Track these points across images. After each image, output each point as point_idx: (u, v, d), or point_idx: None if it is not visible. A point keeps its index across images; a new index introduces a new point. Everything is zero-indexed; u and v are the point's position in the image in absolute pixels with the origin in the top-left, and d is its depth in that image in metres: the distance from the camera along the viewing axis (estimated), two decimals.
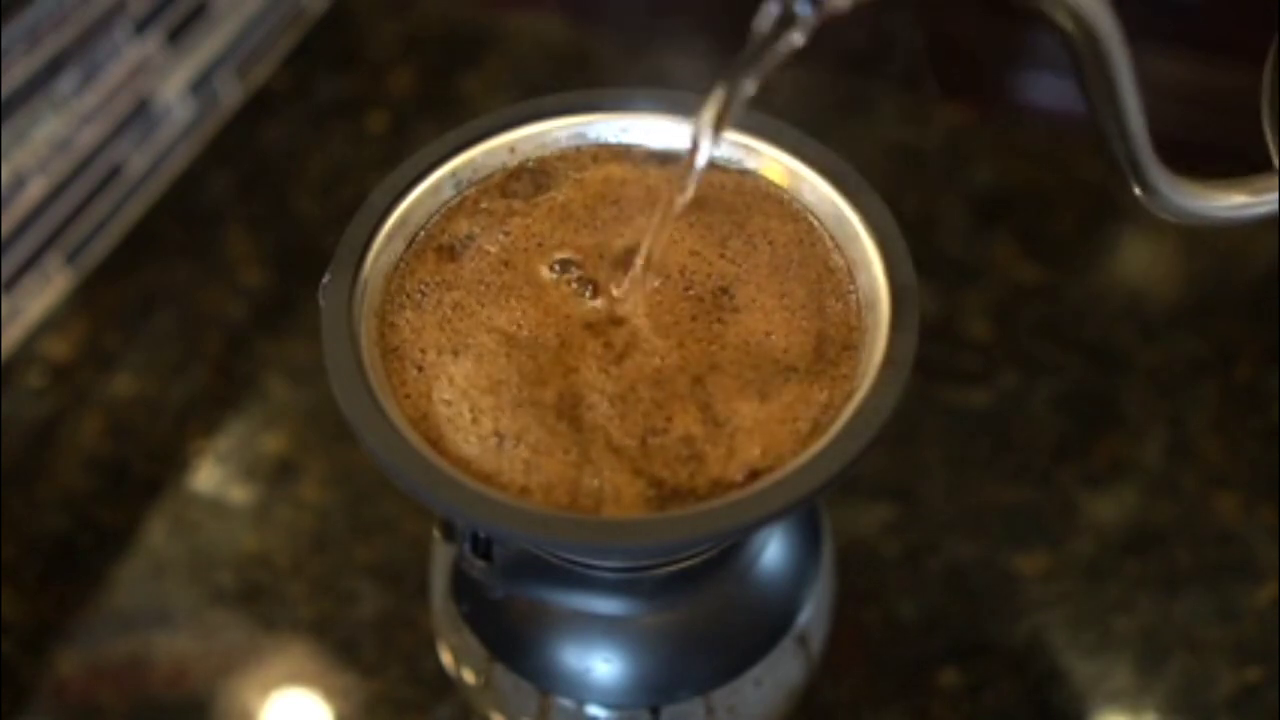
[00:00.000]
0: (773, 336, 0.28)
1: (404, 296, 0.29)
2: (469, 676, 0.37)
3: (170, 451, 0.55)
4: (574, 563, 0.32)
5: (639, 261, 0.28)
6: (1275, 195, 0.30)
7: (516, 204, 0.31)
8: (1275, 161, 0.31)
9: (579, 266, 0.30)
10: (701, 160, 0.26)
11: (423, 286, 0.29)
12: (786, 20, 0.23)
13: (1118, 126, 0.27)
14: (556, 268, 0.30)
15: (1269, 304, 0.59)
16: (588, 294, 0.29)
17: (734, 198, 0.31)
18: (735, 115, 0.25)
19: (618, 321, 0.29)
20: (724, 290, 0.29)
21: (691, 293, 0.29)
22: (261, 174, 0.67)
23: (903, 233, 0.29)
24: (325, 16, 0.76)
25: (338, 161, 0.68)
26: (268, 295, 0.61)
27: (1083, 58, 0.25)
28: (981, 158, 0.67)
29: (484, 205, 0.31)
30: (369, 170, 0.67)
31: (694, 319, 0.29)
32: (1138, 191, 0.29)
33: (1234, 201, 0.30)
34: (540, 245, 0.30)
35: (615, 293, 0.29)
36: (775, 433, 0.26)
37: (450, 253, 0.30)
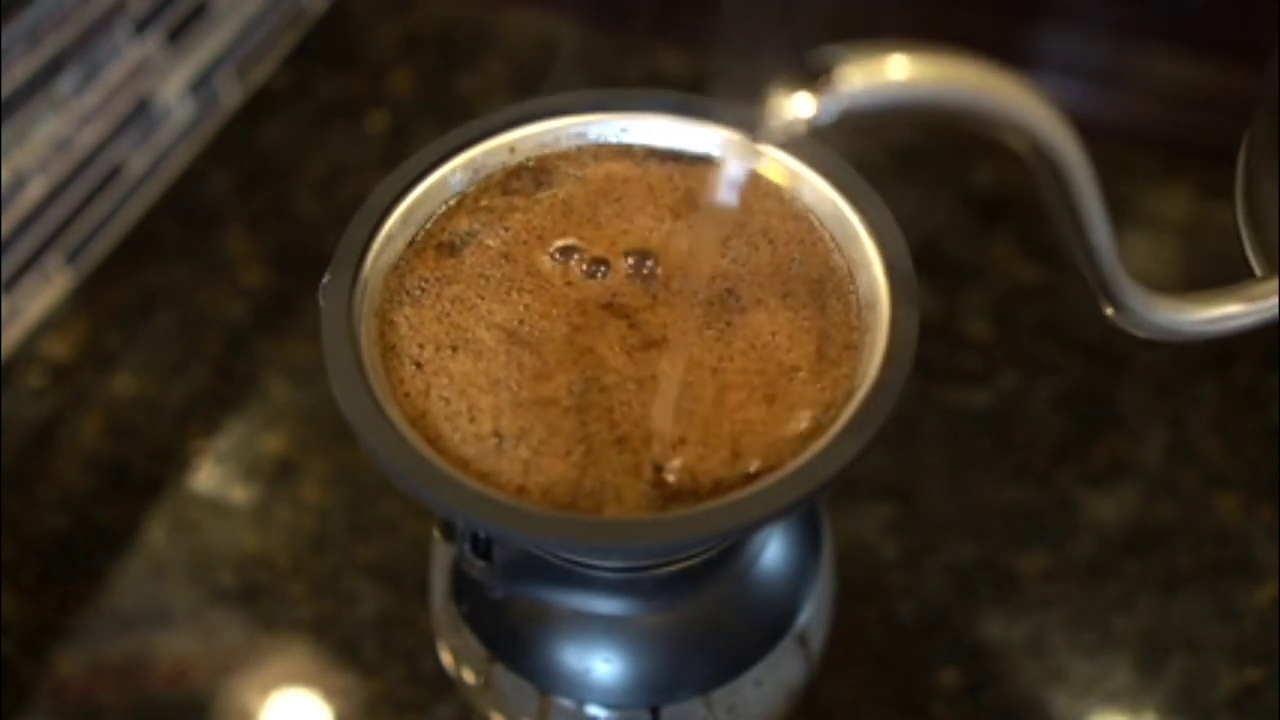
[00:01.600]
0: (777, 337, 0.28)
1: (403, 294, 0.29)
2: (469, 676, 0.37)
3: (170, 451, 0.55)
4: (574, 563, 0.32)
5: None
6: (1259, 304, 0.28)
7: (518, 200, 0.31)
8: (1256, 269, 0.30)
9: (580, 252, 0.30)
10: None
11: (422, 283, 0.30)
12: (794, 125, 0.23)
13: (1084, 246, 0.26)
14: (558, 255, 0.30)
15: None
16: (600, 274, 0.29)
17: None
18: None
19: (635, 306, 0.29)
20: (730, 292, 0.29)
21: (700, 297, 0.29)
22: (261, 174, 0.67)
23: (903, 233, 0.29)
24: (325, 16, 0.76)
25: (338, 161, 0.68)
26: (268, 295, 0.61)
27: (1046, 180, 0.24)
28: (981, 158, 0.67)
29: (484, 203, 0.31)
30: (369, 170, 0.67)
31: (706, 323, 0.29)
32: (1110, 311, 0.28)
33: (1212, 314, 0.28)
34: (540, 238, 0.30)
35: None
36: (778, 432, 0.27)
37: (450, 249, 0.30)
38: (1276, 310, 0.28)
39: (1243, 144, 0.30)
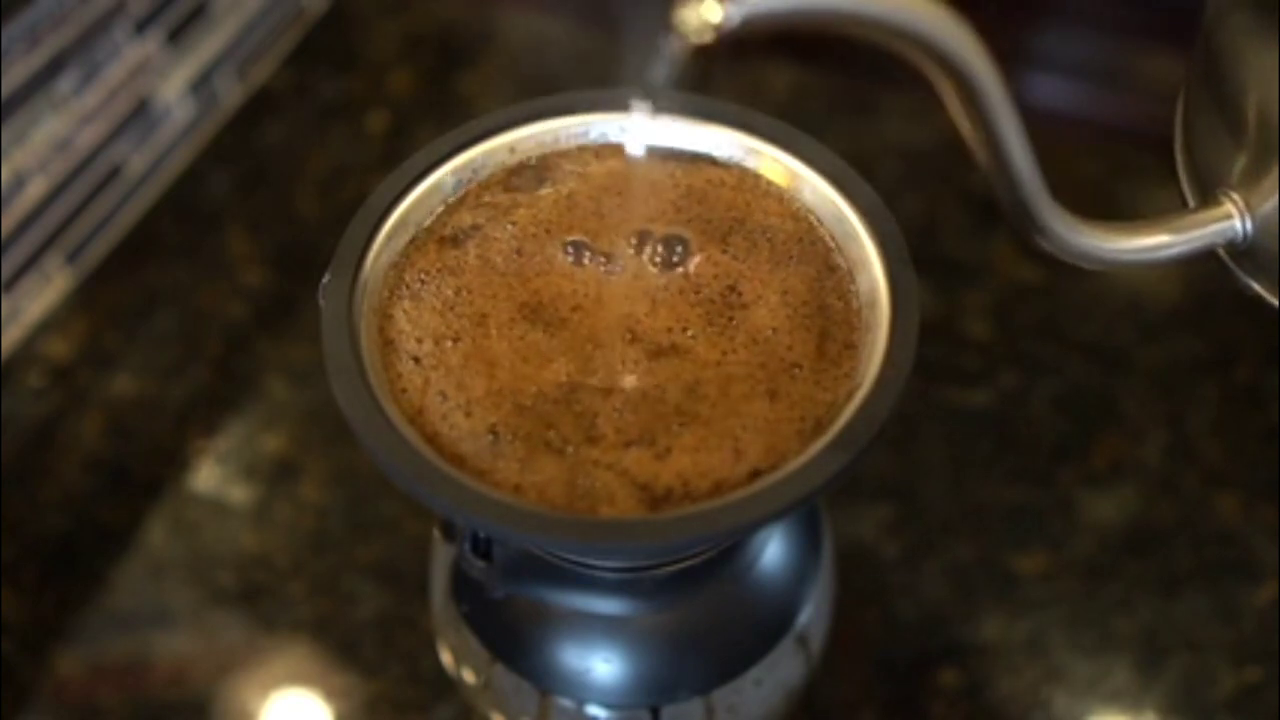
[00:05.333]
0: (778, 334, 0.28)
1: (403, 288, 0.29)
2: (469, 676, 0.37)
3: (170, 451, 0.55)
4: (574, 563, 0.32)
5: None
6: (1188, 235, 0.28)
7: (521, 197, 0.31)
8: (1189, 201, 0.31)
9: (588, 246, 0.30)
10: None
11: (423, 276, 0.29)
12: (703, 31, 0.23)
13: (1003, 170, 0.25)
14: (566, 249, 0.30)
15: (1269, 304, 0.59)
16: (614, 267, 0.29)
17: (734, 194, 0.31)
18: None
19: (643, 312, 0.29)
20: (732, 288, 0.29)
21: (702, 294, 0.29)
22: (261, 174, 0.67)
23: (903, 233, 0.29)
24: (325, 16, 0.76)
25: (338, 161, 0.68)
26: (268, 295, 0.61)
27: (959, 102, 0.23)
28: None
29: (486, 199, 0.31)
30: (369, 170, 0.67)
31: (708, 319, 0.29)
32: (1029, 233, 0.27)
33: (1141, 243, 0.28)
34: (549, 232, 0.30)
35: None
36: (780, 432, 0.26)
37: (453, 242, 0.30)
38: (1204, 241, 0.28)
39: (1184, 82, 0.31)
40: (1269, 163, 0.27)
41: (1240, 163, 0.28)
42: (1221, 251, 0.29)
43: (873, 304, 0.28)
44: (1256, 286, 0.29)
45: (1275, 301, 0.29)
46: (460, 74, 0.72)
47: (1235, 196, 0.28)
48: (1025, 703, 0.48)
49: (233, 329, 0.60)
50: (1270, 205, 0.27)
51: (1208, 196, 0.29)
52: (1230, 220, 0.28)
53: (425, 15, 0.76)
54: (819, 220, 0.31)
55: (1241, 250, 0.29)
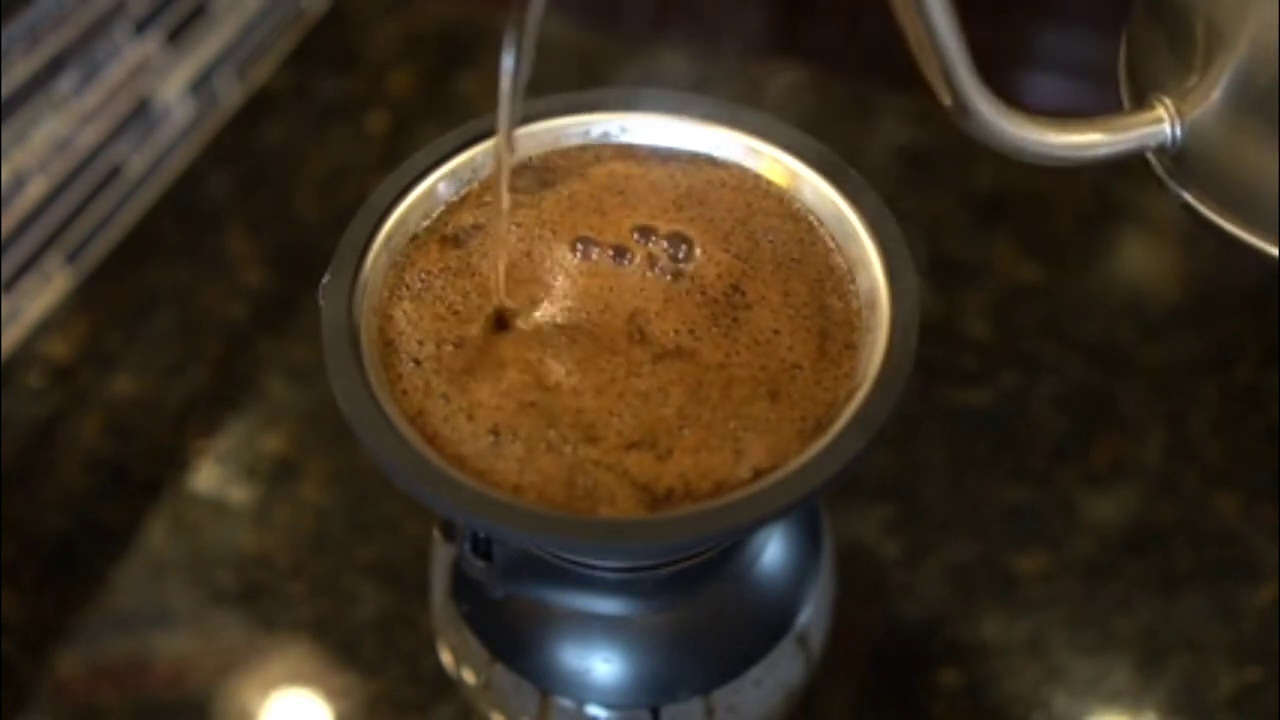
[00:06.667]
0: (780, 334, 0.28)
1: (403, 288, 0.29)
2: (469, 676, 0.37)
3: (170, 451, 0.55)
4: (574, 563, 0.32)
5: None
6: (1120, 135, 0.29)
7: (522, 197, 0.31)
8: (1126, 104, 0.31)
9: (595, 244, 0.30)
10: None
11: (423, 276, 0.29)
12: None
13: (924, 31, 0.24)
14: (574, 248, 0.30)
15: (1269, 304, 0.59)
16: (626, 263, 0.29)
17: (735, 195, 0.31)
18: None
19: (647, 310, 0.29)
20: (735, 288, 0.29)
21: (708, 294, 0.29)
22: (261, 174, 0.67)
23: (903, 233, 0.29)
24: (325, 16, 0.76)
25: (338, 161, 0.68)
26: (268, 295, 0.61)
27: None
28: (981, 158, 0.67)
29: (488, 199, 0.31)
30: (369, 170, 0.67)
31: (712, 320, 0.29)
32: (953, 111, 0.26)
33: (1070, 140, 0.28)
34: (554, 232, 0.30)
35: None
36: (781, 432, 0.26)
37: (455, 242, 0.30)
38: (1134, 142, 0.29)
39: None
40: (1203, 71, 0.27)
41: (1176, 70, 0.29)
42: (1152, 158, 0.30)
43: (873, 304, 0.28)
44: (1186, 196, 0.29)
45: (1205, 211, 0.29)
46: (460, 74, 0.72)
47: (1168, 102, 0.29)
48: (1025, 703, 0.48)
49: (233, 329, 0.60)
50: (1200, 112, 0.28)
51: (1142, 101, 0.30)
52: (1161, 124, 0.29)
53: (425, 15, 0.76)
54: (819, 220, 0.31)
55: (1171, 155, 0.29)
